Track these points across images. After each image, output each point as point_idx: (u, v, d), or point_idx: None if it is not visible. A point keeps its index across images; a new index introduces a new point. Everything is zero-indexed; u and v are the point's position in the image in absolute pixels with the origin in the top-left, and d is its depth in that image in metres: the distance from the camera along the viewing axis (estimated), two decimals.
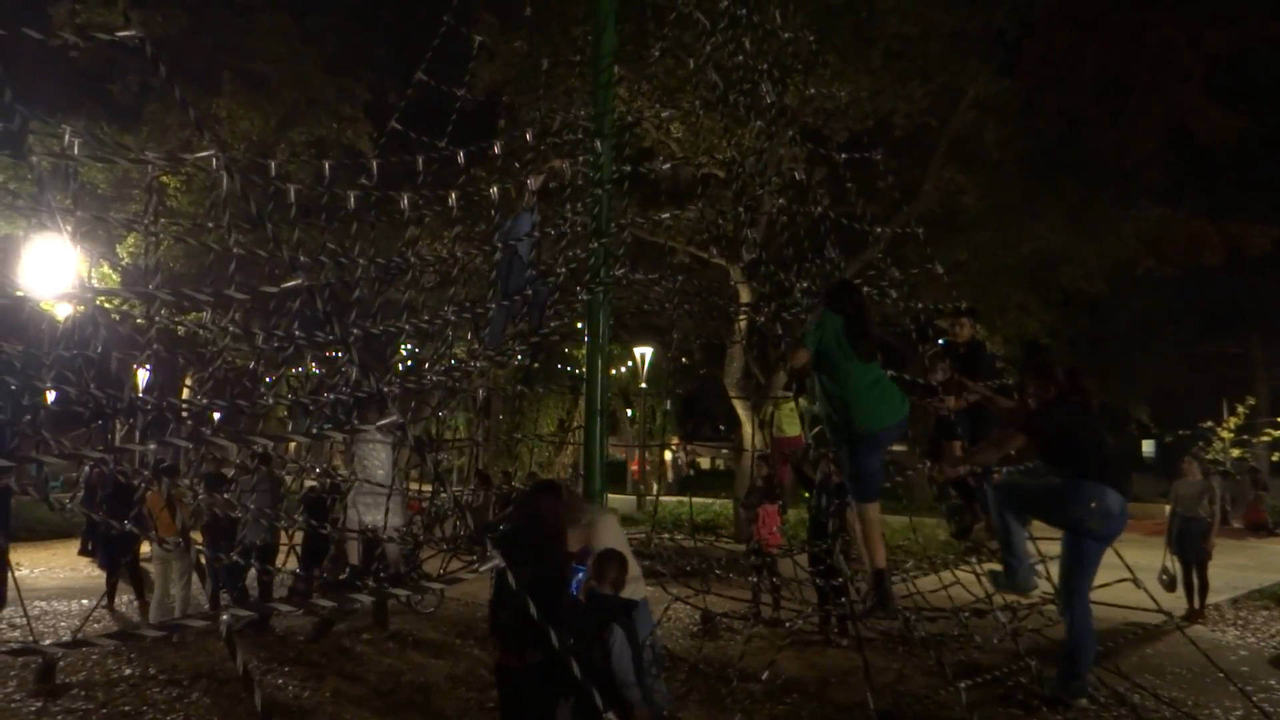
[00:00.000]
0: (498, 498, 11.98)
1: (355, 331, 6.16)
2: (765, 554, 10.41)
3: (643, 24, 10.36)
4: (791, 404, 10.85)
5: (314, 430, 4.90)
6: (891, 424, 5.60)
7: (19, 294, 4.14)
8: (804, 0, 10.69)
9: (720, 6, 7.60)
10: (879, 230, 8.42)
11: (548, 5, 14.54)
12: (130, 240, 16.52)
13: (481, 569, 2.96)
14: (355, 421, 6.81)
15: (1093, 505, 5.55)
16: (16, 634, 9.28)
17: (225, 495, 8.87)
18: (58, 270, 10.86)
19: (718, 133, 9.23)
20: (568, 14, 14.21)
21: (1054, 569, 6.38)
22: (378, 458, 8.75)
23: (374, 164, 6.07)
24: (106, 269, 17.17)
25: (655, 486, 27.47)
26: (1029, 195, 19.29)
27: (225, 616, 2.55)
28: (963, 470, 7.18)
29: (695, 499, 15.54)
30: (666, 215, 10.24)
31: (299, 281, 2.90)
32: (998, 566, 6.39)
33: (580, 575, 5.57)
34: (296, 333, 3.75)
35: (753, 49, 7.57)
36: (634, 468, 32.81)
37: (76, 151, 3.62)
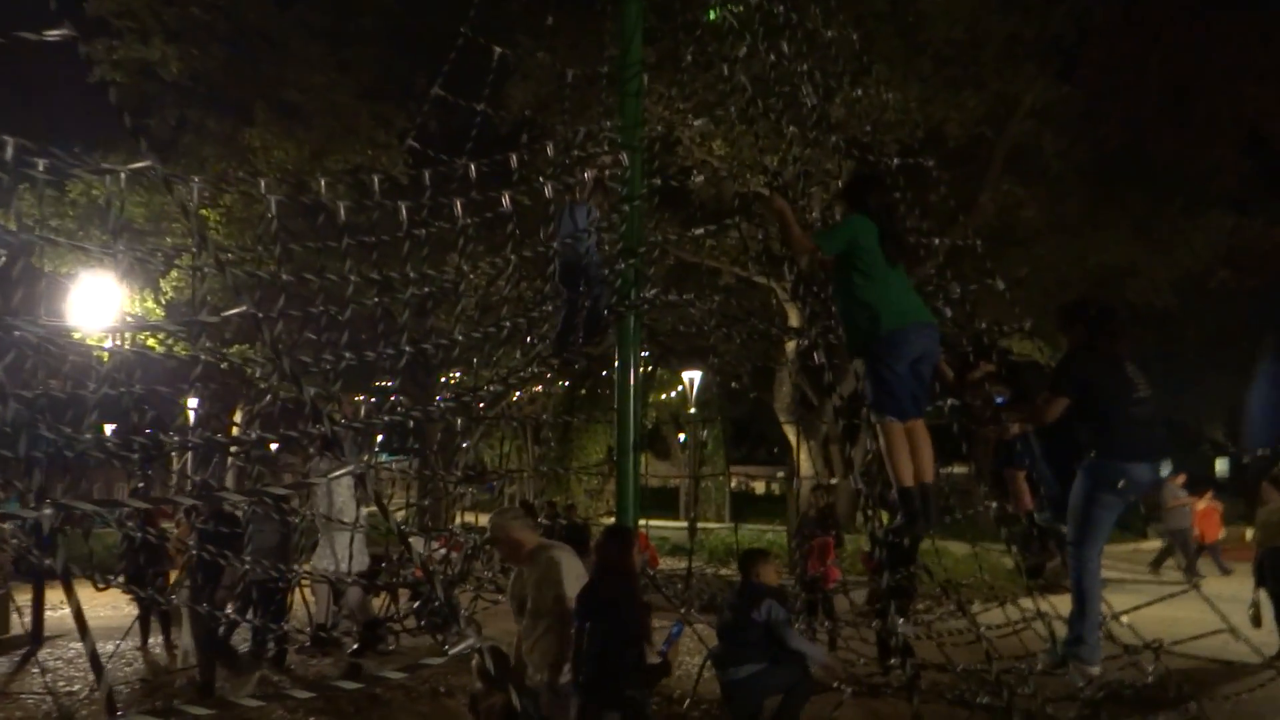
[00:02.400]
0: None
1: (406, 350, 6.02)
2: (820, 590, 9.84)
3: (675, 37, 9.93)
4: None
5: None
6: (918, 322, 5.06)
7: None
8: (846, 4, 10.18)
9: (752, 3, 7.12)
10: (934, 242, 7.80)
11: (584, 23, 14.22)
12: (174, 274, 16.47)
13: (452, 651, 2.53)
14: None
15: (1120, 485, 5.05)
16: (47, 678, 9.05)
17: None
18: (103, 306, 10.76)
19: (759, 147, 8.74)
20: (604, 28, 13.91)
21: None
22: (340, 496, 8.19)
23: (375, 181, 5.72)
24: (150, 303, 17.12)
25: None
26: (1092, 207, 18.58)
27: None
28: (1010, 433, 6.38)
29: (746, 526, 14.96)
30: (700, 231, 9.69)
31: (243, 309, 2.56)
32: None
33: (677, 632, 5.19)
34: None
35: (791, 50, 7.08)
36: None
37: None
